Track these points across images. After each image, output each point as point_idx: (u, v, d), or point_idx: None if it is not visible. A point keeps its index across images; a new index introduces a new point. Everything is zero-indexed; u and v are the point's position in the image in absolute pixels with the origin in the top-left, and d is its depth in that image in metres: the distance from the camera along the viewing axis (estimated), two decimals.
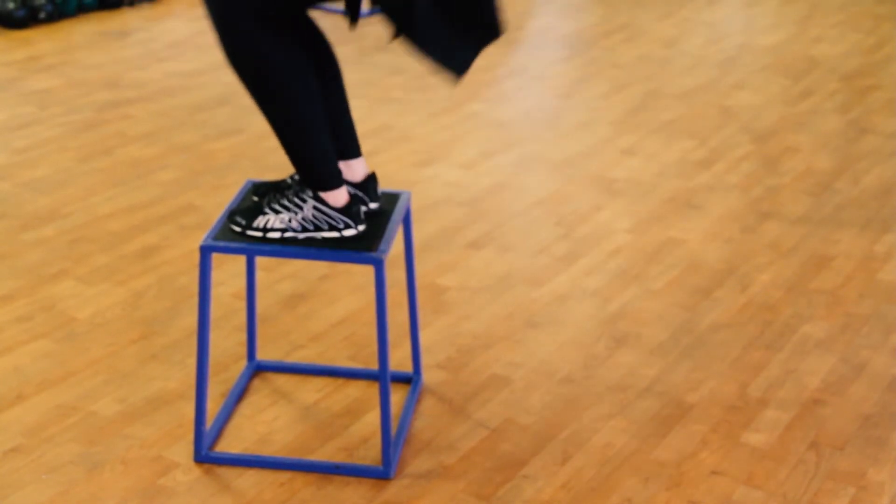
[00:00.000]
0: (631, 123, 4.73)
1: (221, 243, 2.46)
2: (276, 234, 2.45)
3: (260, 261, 3.44)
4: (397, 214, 2.59)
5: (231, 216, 2.50)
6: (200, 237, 3.56)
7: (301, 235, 2.45)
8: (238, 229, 2.48)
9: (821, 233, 3.81)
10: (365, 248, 2.44)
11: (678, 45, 5.79)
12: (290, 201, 2.46)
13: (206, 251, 2.46)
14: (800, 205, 4.02)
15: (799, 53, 5.69)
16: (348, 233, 2.46)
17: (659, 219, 3.88)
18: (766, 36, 5.96)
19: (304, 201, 2.45)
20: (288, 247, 2.44)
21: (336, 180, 2.46)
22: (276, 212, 2.47)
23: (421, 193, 4.00)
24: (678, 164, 4.33)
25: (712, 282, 3.47)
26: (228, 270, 3.42)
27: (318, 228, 2.45)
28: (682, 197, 4.05)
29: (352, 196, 2.50)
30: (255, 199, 2.59)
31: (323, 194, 2.46)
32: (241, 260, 3.42)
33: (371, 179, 2.56)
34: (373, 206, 2.55)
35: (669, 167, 4.31)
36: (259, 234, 2.46)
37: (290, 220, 2.45)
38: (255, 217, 2.48)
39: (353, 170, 2.56)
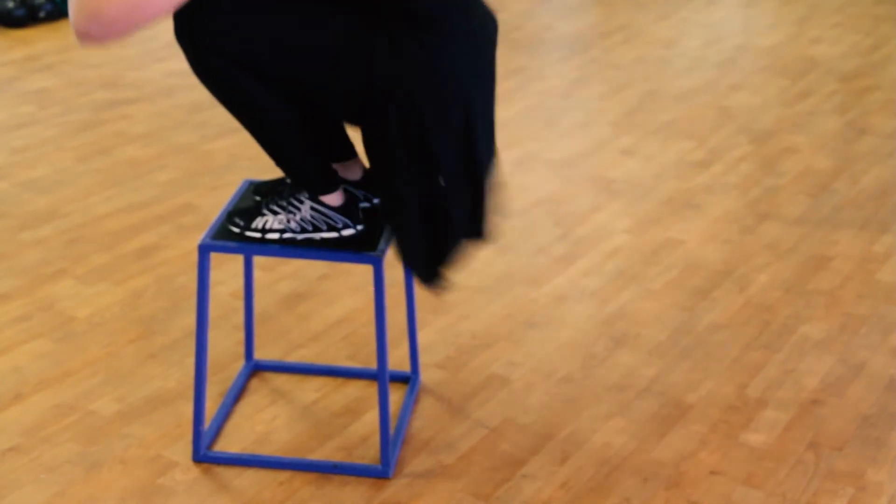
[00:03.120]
0: (629, 124, 4.73)
1: (220, 243, 2.45)
2: (275, 235, 2.45)
3: (258, 260, 3.44)
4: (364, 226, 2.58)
5: (229, 217, 2.49)
6: (199, 237, 3.55)
7: (300, 236, 2.45)
8: (237, 230, 2.47)
9: (819, 233, 3.81)
10: (364, 247, 2.44)
11: (676, 46, 5.79)
12: (287, 202, 2.46)
13: (204, 250, 2.46)
14: (798, 205, 4.02)
15: (797, 54, 5.69)
16: (347, 232, 2.45)
17: (657, 219, 3.88)
18: (765, 37, 5.96)
19: (302, 202, 2.44)
20: (286, 247, 2.44)
21: (329, 184, 2.45)
22: (275, 213, 2.46)
23: None
24: (676, 165, 4.33)
25: (711, 282, 3.47)
26: (227, 270, 3.42)
27: (316, 229, 2.44)
28: (681, 197, 4.05)
29: (349, 195, 2.50)
30: (257, 198, 2.59)
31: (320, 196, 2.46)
32: (240, 259, 3.42)
33: (366, 178, 2.54)
34: (376, 201, 2.55)
35: (668, 168, 4.31)
36: (258, 234, 2.45)
37: (288, 221, 2.45)
38: (254, 218, 2.47)
39: (351, 169, 2.55)
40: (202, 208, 3.85)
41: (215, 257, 3.43)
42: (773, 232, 3.81)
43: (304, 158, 2.40)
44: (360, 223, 2.46)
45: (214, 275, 3.37)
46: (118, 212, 3.81)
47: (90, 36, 1.96)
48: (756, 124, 4.76)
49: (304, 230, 2.44)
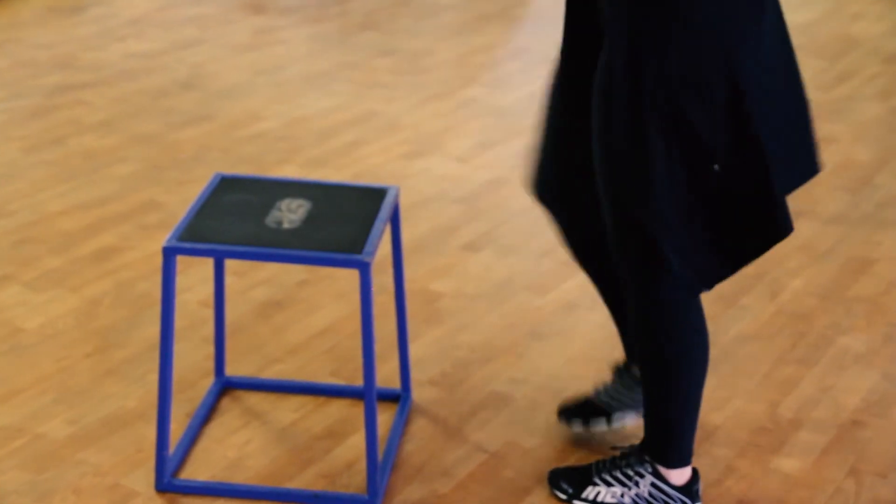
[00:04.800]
0: None
1: (187, 244, 2.45)
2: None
3: (230, 264, 3.43)
4: (384, 212, 2.59)
5: (554, 478, 2.59)
6: (163, 238, 3.55)
7: None
8: (563, 497, 2.56)
9: (860, 233, 3.81)
10: (348, 249, 2.44)
11: None
12: (624, 474, 2.52)
13: (169, 253, 2.46)
14: (836, 202, 4.02)
15: (836, 32, 5.69)
16: None
17: None
18: (799, 12, 5.97)
19: (643, 476, 2.51)
20: (262, 248, 2.44)
21: (688, 457, 2.51)
22: (608, 484, 2.53)
23: (411, 189, 4.00)
24: None
25: (738, 288, 3.47)
26: (195, 275, 3.41)
27: None
28: None
29: (694, 471, 2.54)
30: (565, 422, 2.73)
31: (664, 471, 2.50)
32: (209, 263, 3.42)
33: (695, 480, 2.56)
34: None
35: None
36: None
37: (622, 496, 2.52)
38: (584, 486, 2.54)
39: (680, 472, 2.58)
40: (167, 206, 3.85)
41: (182, 261, 3.42)
42: (809, 232, 3.81)
43: (694, 425, 2.49)
44: (699, 502, 2.51)
45: (181, 280, 3.37)
46: (72, 209, 3.81)
47: None
48: None
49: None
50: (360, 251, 2.43)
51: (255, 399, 2.92)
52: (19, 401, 2.89)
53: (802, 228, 3.83)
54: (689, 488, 2.50)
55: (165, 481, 2.59)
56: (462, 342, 3.18)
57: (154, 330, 3.16)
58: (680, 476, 2.50)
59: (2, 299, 3.30)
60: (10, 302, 3.29)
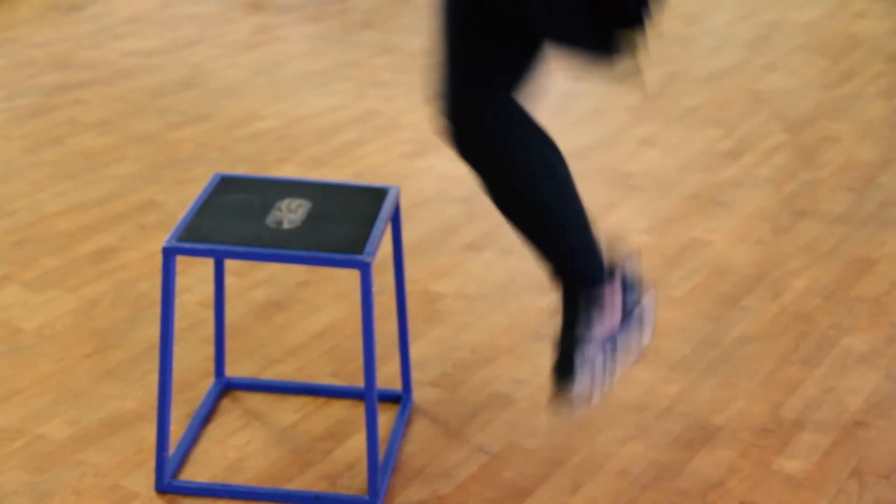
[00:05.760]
0: (649, 110, 4.74)
1: (186, 245, 2.46)
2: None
3: (230, 265, 3.44)
4: (385, 212, 2.60)
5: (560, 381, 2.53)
6: (162, 238, 3.56)
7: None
8: (581, 388, 2.53)
9: (863, 233, 3.82)
10: (349, 249, 2.44)
11: (703, 22, 5.80)
12: (586, 321, 2.51)
13: (169, 253, 2.46)
14: (840, 202, 4.02)
15: (839, 31, 5.70)
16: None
17: (680, 218, 3.89)
18: (802, 11, 5.98)
19: (592, 302, 2.51)
20: (261, 249, 2.45)
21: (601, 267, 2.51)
22: (588, 341, 2.52)
23: (412, 188, 4.00)
24: (702, 157, 4.34)
25: (741, 288, 3.48)
26: (194, 275, 3.42)
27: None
28: (707, 193, 4.06)
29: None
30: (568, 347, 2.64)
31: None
32: (209, 264, 3.43)
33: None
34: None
35: (693, 160, 4.31)
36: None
37: (608, 332, 2.54)
38: (576, 365, 2.51)
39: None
40: (166, 205, 3.85)
41: (181, 261, 3.43)
42: (812, 231, 3.82)
43: (591, 241, 2.47)
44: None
45: (180, 281, 3.38)
46: (71, 209, 3.81)
47: None
48: (792, 110, 4.77)
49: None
50: (360, 251, 2.44)
51: (255, 400, 2.93)
52: (18, 401, 2.89)
53: (805, 228, 3.84)
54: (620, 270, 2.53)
55: (165, 482, 2.60)
56: (463, 343, 3.19)
57: (154, 330, 3.17)
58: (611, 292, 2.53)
59: (0, 300, 3.31)
60: (8, 302, 3.30)
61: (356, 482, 2.66)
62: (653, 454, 2.78)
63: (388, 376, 3.01)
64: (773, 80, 5.07)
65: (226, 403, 2.91)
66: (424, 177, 4.12)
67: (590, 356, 2.49)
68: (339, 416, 2.88)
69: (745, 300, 3.42)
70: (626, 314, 2.53)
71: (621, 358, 2.55)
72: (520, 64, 2.33)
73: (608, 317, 2.51)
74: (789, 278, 3.54)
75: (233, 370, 3.03)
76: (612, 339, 2.53)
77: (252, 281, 3.43)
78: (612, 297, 2.51)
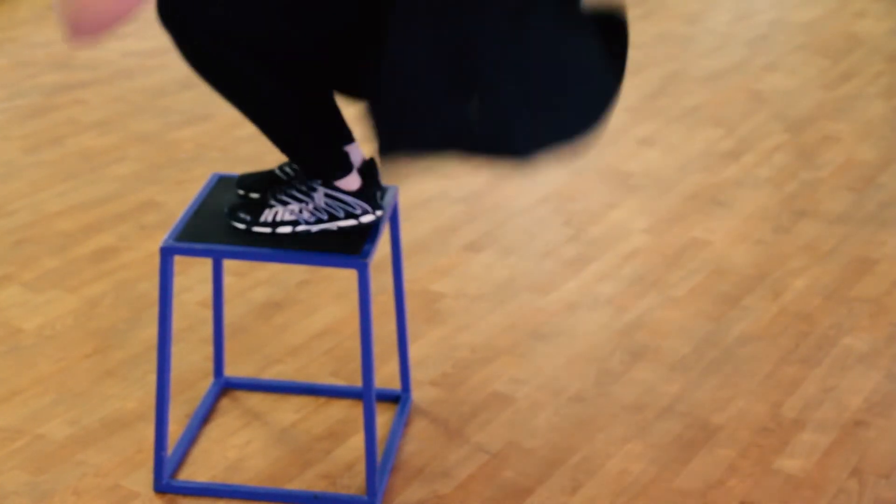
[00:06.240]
0: (649, 110, 4.74)
1: (184, 245, 2.46)
2: (287, 229, 2.47)
3: (229, 265, 3.44)
4: (384, 212, 2.60)
5: (232, 213, 2.51)
6: (162, 238, 3.56)
7: (315, 228, 2.48)
8: (242, 226, 2.49)
9: (863, 233, 3.82)
10: (347, 249, 2.44)
11: (702, 22, 5.80)
12: (298, 190, 2.48)
13: (167, 253, 2.47)
14: (840, 202, 4.02)
15: (839, 30, 5.70)
16: (366, 219, 2.50)
17: (680, 218, 3.89)
18: (802, 11, 5.98)
19: (314, 189, 2.48)
20: (261, 249, 2.45)
21: (343, 165, 2.48)
22: (284, 203, 2.48)
23: (411, 188, 4.01)
24: (702, 156, 4.34)
25: (741, 288, 3.48)
26: (194, 276, 3.42)
27: (332, 217, 2.48)
28: (707, 193, 4.06)
29: (365, 177, 2.51)
30: (241, 192, 2.61)
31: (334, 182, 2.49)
32: (208, 264, 3.43)
33: (370, 165, 2.56)
34: (378, 213, 2.56)
35: (692, 159, 4.31)
36: (267, 229, 2.48)
37: (300, 211, 2.47)
38: (261, 211, 2.49)
39: (348, 180, 2.57)
40: (166, 205, 3.85)
41: (181, 261, 3.43)
42: (812, 231, 3.82)
43: (312, 139, 2.44)
44: (379, 209, 2.51)
45: (179, 281, 3.38)
46: (71, 209, 3.82)
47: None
48: (792, 110, 4.77)
49: (319, 220, 2.48)
50: (358, 251, 2.44)
51: (254, 400, 2.93)
52: (19, 401, 2.89)
53: (805, 228, 3.84)
54: (366, 192, 2.49)
55: (164, 482, 2.60)
56: (463, 342, 3.19)
57: (153, 331, 3.17)
58: (350, 182, 2.48)
59: (1, 300, 3.31)
60: (9, 302, 3.30)
61: (356, 482, 2.66)
62: (652, 454, 2.78)
63: (387, 376, 3.01)
64: (773, 80, 5.07)
65: (225, 403, 2.91)
66: (423, 177, 4.12)
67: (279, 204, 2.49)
68: (339, 416, 2.88)
69: (746, 300, 3.42)
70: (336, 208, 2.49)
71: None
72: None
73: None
74: (789, 278, 3.54)
75: (232, 370, 3.03)
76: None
77: (252, 281, 3.43)
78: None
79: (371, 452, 2.53)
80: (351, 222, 2.49)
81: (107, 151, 4.23)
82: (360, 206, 2.49)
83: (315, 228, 2.48)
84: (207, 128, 4.43)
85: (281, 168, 2.62)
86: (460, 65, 2.19)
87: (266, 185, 2.59)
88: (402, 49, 2.17)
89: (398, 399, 2.92)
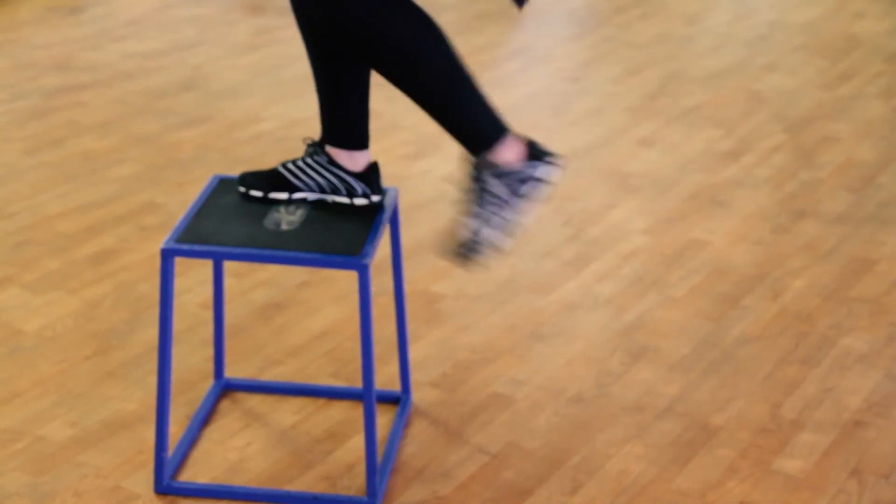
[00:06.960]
0: (648, 110, 4.74)
1: (185, 246, 2.46)
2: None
3: (230, 266, 3.44)
4: (384, 214, 2.60)
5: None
6: (162, 239, 3.56)
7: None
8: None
9: (863, 233, 3.82)
10: (347, 251, 2.45)
11: (702, 22, 5.80)
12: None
13: (167, 255, 2.47)
14: (839, 202, 4.02)
15: (838, 31, 5.70)
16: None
17: (680, 218, 3.89)
18: (801, 11, 5.98)
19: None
20: (260, 250, 2.45)
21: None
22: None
23: (412, 190, 4.01)
24: (702, 157, 4.34)
25: (740, 289, 3.48)
26: (195, 277, 3.42)
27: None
28: (707, 193, 4.06)
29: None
30: (242, 190, 2.66)
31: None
32: (208, 265, 3.43)
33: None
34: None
35: (692, 160, 4.31)
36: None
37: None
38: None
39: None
40: (166, 207, 3.86)
41: (181, 263, 3.43)
42: (811, 231, 3.82)
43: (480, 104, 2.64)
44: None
45: (180, 282, 3.38)
46: (71, 211, 3.82)
47: None
48: (791, 110, 4.77)
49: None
50: (358, 252, 2.44)
51: (255, 401, 2.93)
52: (19, 403, 2.90)
53: (805, 228, 3.84)
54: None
55: (165, 483, 2.60)
56: (463, 343, 3.19)
57: (153, 332, 3.17)
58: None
59: (1, 301, 3.31)
60: (9, 304, 3.30)
61: (356, 483, 2.66)
62: (652, 454, 2.78)
63: (388, 377, 3.01)
64: (772, 80, 5.07)
65: (226, 404, 2.92)
66: (424, 178, 4.12)
67: (481, 212, 2.54)
68: (339, 417, 2.88)
69: (745, 300, 3.42)
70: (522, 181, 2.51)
71: (511, 216, 2.53)
72: None
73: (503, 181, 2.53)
74: (789, 278, 3.55)
75: (233, 371, 3.03)
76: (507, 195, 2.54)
77: (252, 282, 3.43)
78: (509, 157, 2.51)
79: (371, 453, 2.53)
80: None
81: (107, 153, 4.23)
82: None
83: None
84: (207, 129, 4.44)
85: (284, 165, 2.63)
86: None
87: (267, 184, 2.64)
88: None
89: (398, 400, 2.92)
